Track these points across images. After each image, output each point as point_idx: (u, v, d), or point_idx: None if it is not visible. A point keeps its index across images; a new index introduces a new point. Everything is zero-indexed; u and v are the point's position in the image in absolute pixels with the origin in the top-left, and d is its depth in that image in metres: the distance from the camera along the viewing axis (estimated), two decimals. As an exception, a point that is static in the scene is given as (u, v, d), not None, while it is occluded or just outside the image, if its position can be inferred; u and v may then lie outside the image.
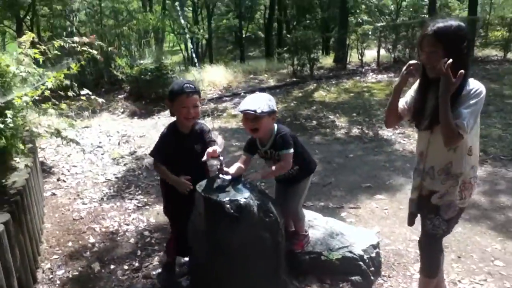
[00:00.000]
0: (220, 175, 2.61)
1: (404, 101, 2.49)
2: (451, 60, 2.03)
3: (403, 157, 5.75)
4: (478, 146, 2.35)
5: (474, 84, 2.17)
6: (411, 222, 2.63)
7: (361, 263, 3.03)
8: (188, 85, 2.74)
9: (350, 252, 3.07)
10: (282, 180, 3.00)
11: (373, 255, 3.14)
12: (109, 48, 3.71)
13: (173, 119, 2.92)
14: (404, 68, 2.29)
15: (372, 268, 3.09)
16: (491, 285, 3.01)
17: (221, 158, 2.58)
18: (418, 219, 2.57)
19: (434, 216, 2.38)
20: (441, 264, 2.62)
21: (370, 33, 13.27)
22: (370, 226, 3.88)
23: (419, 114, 2.37)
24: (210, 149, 2.57)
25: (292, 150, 2.68)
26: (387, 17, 20.88)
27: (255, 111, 2.57)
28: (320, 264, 3.03)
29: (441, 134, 2.16)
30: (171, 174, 2.81)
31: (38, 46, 3.78)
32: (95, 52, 4.06)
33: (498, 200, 4.32)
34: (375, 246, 3.21)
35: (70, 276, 3.34)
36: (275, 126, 2.76)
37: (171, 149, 2.84)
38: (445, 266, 3.21)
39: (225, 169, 2.60)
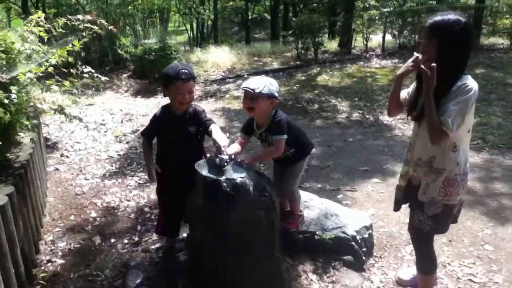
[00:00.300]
0: (218, 155, 2.67)
1: (406, 92, 2.52)
2: (434, 64, 2.07)
3: (402, 143, 5.81)
4: (467, 142, 2.34)
5: (467, 81, 2.14)
6: (396, 208, 2.70)
7: (353, 243, 3.12)
8: (184, 70, 2.73)
9: (343, 232, 3.15)
10: (279, 161, 3.07)
11: (366, 236, 3.23)
12: (110, 27, 3.72)
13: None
14: (411, 59, 2.27)
15: (364, 249, 3.18)
16: (479, 268, 3.10)
17: (226, 156, 2.60)
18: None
19: (419, 211, 2.42)
20: (435, 257, 2.64)
21: (376, 18, 13.18)
22: (365, 208, 3.96)
23: (412, 104, 2.41)
24: (219, 142, 2.58)
25: (285, 137, 2.74)
26: (394, 2, 20.68)
27: (253, 90, 2.64)
28: (313, 243, 3.12)
29: (428, 133, 2.19)
30: (149, 157, 2.90)
31: (42, 24, 3.82)
32: (96, 28, 4.08)
33: (492, 186, 4.39)
34: (368, 228, 3.29)
35: (72, 248, 3.44)
36: (274, 111, 2.81)
37: (164, 130, 2.89)
38: (436, 249, 3.29)
39: (223, 149, 2.66)
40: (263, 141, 2.92)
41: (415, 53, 2.28)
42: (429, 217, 2.38)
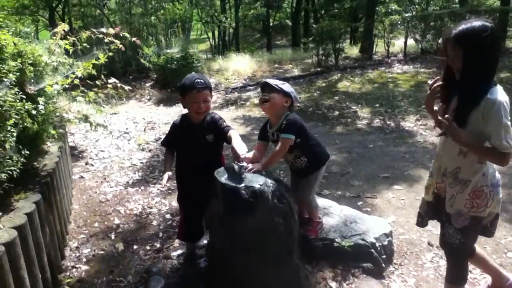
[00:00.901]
0: (237, 163, 2.71)
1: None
2: (448, 116, 2.10)
3: (424, 149, 5.76)
4: None
5: (497, 95, 2.09)
6: (418, 223, 2.70)
7: (372, 250, 3.11)
8: (199, 80, 2.81)
9: (363, 239, 3.15)
10: (295, 171, 3.10)
11: (385, 243, 3.21)
12: (133, 39, 3.84)
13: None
14: (429, 90, 2.35)
15: (384, 256, 3.17)
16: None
17: (244, 164, 2.65)
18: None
19: (448, 224, 2.39)
20: (467, 273, 2.58)
21: (398, 23, 13.08)
22: (385, 215, 3.94)
23: (443, 112, 2.36)
24: (237, 151, 2.62)
25: (292, 137, 2.75)
26: (416, 6, 20.48)
27: (272, 84, 2.81)
28: (333, 251, 3.12)
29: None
30: (167, 167, 2.95)
31: (68, 37, 3.97)
32: (118, 42, 4.20)
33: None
34: (388, 235, 3.28)
35: (96, 254, 3.53)
36: (288, 112, 2.86)
37: (183, 139, 2.95)
38: None
39: (242, 157, 2.69)
40: (273, 141, 2.95)
41: (431, 83, 2.35)
42: (457, 230, 2.35)
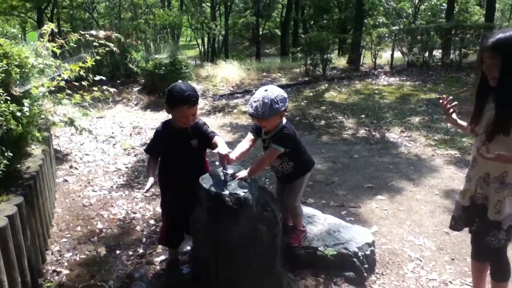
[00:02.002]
0: (222, 169, 2.72)
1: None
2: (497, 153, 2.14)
3: (408, 160, 5.83)
4: None
5: None
6: (452, 226, 2.72)
7: (355, 259, 3.13)
8: (190, 94, 2.74)
9: (345, 248, 3.17)
10: (280, 177, 3.11)
11: (368, 252, 3.24)
12: (127, 40, 3.84)
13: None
14: (443, 110, 2.57)
15: (366, 265, 3.19)
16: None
17: (230, 171, 2.67)
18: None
19: (497, 232, 2.40)
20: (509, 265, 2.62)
21: (386, 35, 13.28)
22: (368, 225, 3.98)
23: (475, 119, 2.45)
24: (221, 151, 2.64)
25: (282, 149, 2.75)
26: (404, 20, 20.82)
27: (262, 116, 2.68)
28: (315, 259, 3.14)
29: None
30: (151, 172, 2.93)
31: (56, 39, 3.95)
32: (111, 45, 4.18)
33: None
34: (370, 244, 3.30)
35: (78, 258, 3.50)
36: (284, 121, 2.84)
37: (167, 145, 2.93)
38: (439, 267, 3.32)
39: (224, 155, 2.65)
40: (264, 148, 2.94)
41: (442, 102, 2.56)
42: (504, 231, 2.39)
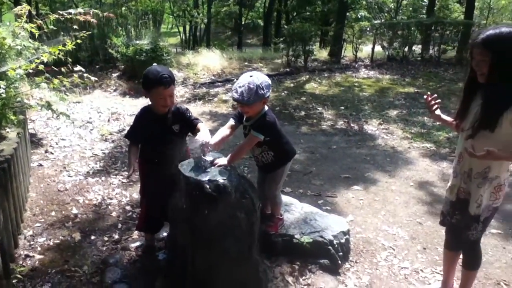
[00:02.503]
0: (202, 156, 2.71)
1: None
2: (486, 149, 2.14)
3: (384, 152, 5.92)
4: None
5: None
6: (442, 222, 2.79)
7: (330, 247, 3.18)
8: (164, 75, 2.74)
9: (321, 236, 3.22)
10: (261, 166, 3.12)
11: (343, 241, 3.29)
12: (105, 13, 3.75)
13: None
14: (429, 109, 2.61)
15: (341, 253, 3.24)
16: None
17: (209, 158, 2.67)
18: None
19: (477, 225, 2.49)
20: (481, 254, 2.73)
21: (367, 29, 13.37)
22: (344, 214, 4.03)
23: (462, 115, 2.48)
24: (202, 138, 2.65)
25: (261, 137, 2.75)
26: (386, 14, 20.98)
27: (247, 102, 2.65)
28: (292, 247, 3.18)
29: None
30: (132, 157, 2.91)
31: (34, 20, 3.84)
32: (90, 18, 4.05)
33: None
34: (345, 233, 3.36)
35: (51, 243, 3.45)
36: (265, 108, 2.83)
37: (148, 130, 2.91)
38: (411, 255, 3.40)
39: (207, 140, 2.66)
40: (245, 135, 2.94)
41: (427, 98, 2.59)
42: (481, 222, 2.49)
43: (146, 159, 3.01)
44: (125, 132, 6.27)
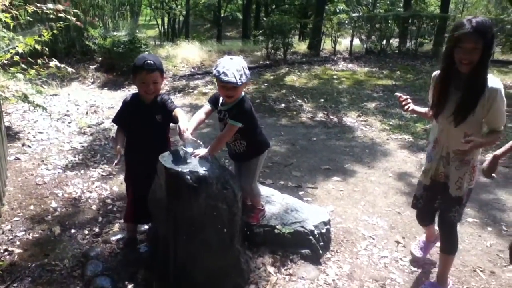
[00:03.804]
0: (182, 147, 2.71)
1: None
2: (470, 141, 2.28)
3: (363, 144, 6.01)
4: None
5: (495, 83, 2.35)
6: (413, 205, 2.97)
7: (311, 237, 3.22)
8: (149, 61, 2.76)
9: (302, 227, 3.25)
10: (234, 156, 3.12)
11: (324, 231, 3.34)
12: (87, 18, 3.69)
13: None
14: (402, 108, 2.68)
15: (322, 243, 3.29)
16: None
17: (190, 149, 2.69)
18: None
19: (459, 207, 2.64)
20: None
21: (346, 22, 13.48)
22: (325, 205, 4.09)
23: (439, 105, 2.56)
24: (182, 128, 2.63)
25: (239, 125, 2.75)
26: (363, 7, 21.15)
27: (236, 83, 2.64)
28: (273, 237, 3.20)
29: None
30: (119, 142, 2.91)
31: (9, 10, 3.75)
32: (73, 19, 4.01)
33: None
34: (326, 223, 3.40)
35: (30, 238, 3.41)
36: (242, 94, 2.84)
37: (132, 117, 2.92)
38: (390, 245, 3.47)
39: (183, 128, 2.64)
40: (220, 119, 2.93)
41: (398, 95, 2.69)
42: (463, 204, 2.65)
43: (131, 146, 3.00)
44: (104, 124, 6.25)
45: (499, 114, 2.40)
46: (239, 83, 2.65)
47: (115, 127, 3.11)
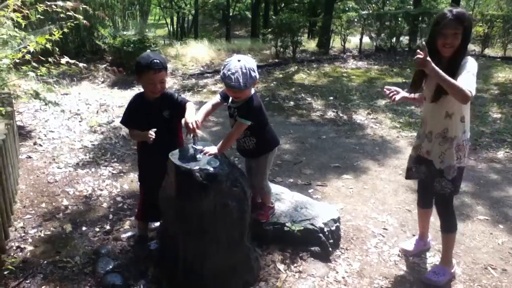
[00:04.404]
0: (192, 145, 2.72)
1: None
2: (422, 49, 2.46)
3: (373, 141, 5.98)
4: (469, 114, 2.81)
5: (468, 59, 2.61)
6: (407, 176, 3.18)
7: (321, 235, 3.21)
8: (155, 60, 2.76)
9: (312, 224, 3.25)
10: (243, 152, 3.11)
11: (333, 228, 3.33)
12: (96, 12, 3.73)
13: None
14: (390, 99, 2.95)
15: (331, 241, 3.28)
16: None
17: (199, 146, 2.70)
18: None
19: (440, 179, 2.84)
20: (456, 219, 3.05)
21: (356, 20, 13.41)
22: (334, 203, 4.07)
23: (421, 86, 2.88)
24: (189, 122, 2.66)
25: (248, 123, 2.74)
26: (373, 5, 21.01)
27: (244, 88, 2.62)
28: (283, 234, 3.20)
29: (455, 97, 2.52)
30: (137, 132, 2.93)
31: (21, 10, 3.79)
32: (81, 17, 4.03)
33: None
34: (336, 221, 3.39)
35: (42, 235, 3.44)
36: (252, 91, 2.80)
37: (140, 117, 2.93)
38: (401, 242, 3.45)
39: (190, 122, 2.67)
40: (230, 115, 2.92)
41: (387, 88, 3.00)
42: (448, 181, 2.82)
43: (143, 145, 3.02)
44: (117, 122, 6.28)
45: (463, 76, 2.50)
46: (243, 88, 2.61)
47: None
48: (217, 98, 2.95)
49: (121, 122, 3.10)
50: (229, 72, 2.60)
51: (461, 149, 2.79)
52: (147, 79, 2.80)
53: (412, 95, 2.99)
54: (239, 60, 2.62)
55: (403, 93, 2.98)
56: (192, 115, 2.73)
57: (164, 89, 2.91)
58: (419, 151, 2.99)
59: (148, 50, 2.68)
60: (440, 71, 2.45)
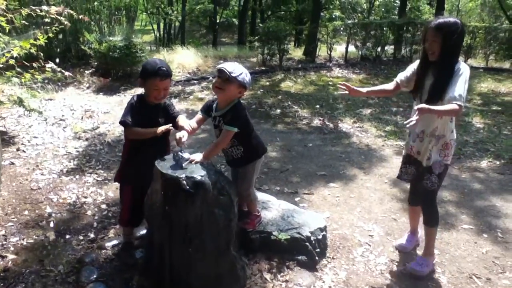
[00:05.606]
0: (178, 153, 2.70)
1: (404, 75, 3.14)
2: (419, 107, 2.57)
3: (359, 150, 6.02)
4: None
5: (460, 65, 2.78)
6: (399, 175, 3.36)
7: (307, 244, 3.21)
8: (162, 68, 2.83)
9: (298, 233, 3.24)
10: (230, 161, 3.10)
11: (320, 237, 3.33)
12: (80, 16, 3.69)
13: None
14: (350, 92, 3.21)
15: (318, 249, 3.28)
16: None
17: (186, 155, 2.71)
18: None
19: (430, 175, 3.02)
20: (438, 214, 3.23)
21: (341, 29, 13.55)
22: (321, 211, 4.08)
23: (418, 89, 2.99)
24: (178, 135, 2.69)
25: (235, 130, 2.75)
26: (359, 14, 21.28)
27: (230, 72, 2.67)
28: (269, 243, 3.19)
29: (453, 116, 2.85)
30: (144, 129, 2.89)
31: (5, 14, 3.74)
32: (63, 19, 3.99)
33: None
34: (322, 229, 3.39)
35: (25, 243, 3.38)
36: (237, 100, 2.83)
37: (140, 117, 2.92)
38: (386, 251, 3.47)
39: (179, 137, 2.68)
40: (215, 126, 2.92)
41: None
42: (436, 176, 3.01)
43: (132, 148, 3.02)
44: (99, 129, 6.21)
45: (457, 85, 2.68)
46: (231, 75, 2.67)
47: (111, 132, 3.10)
48: (199, 115, 3.00)
49: (122, 122, 3.01)
50: (225, 62, 2.79)
51: (448, 147, 2.98)
52: (152, 85, 2.85)
53: (382, 87, 3.32)
54: (234, 63, 2.81)
55: (363, 89, 3.22)
56: (183, 130, 2.77)
57: (167, 95, 2.98)
58: (409, 151, 3.15)
59: (155, 57, 2.70)
60: (433, 108, 2.62)
